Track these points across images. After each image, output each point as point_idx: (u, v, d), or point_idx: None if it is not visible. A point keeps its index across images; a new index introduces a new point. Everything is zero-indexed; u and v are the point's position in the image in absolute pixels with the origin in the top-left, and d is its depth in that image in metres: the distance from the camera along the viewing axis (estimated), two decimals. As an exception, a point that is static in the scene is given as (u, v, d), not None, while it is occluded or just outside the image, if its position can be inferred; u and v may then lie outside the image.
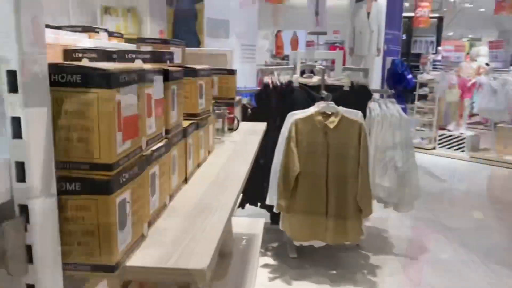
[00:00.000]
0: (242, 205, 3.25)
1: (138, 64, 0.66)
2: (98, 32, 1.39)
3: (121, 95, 0.52)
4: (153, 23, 8.04)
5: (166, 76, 0.76)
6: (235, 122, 1.43)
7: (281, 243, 3.32)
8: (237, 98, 1.79)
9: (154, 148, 0.68)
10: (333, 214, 2.71)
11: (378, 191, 2.96)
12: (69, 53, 1.15)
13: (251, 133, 1.58)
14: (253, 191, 3.24)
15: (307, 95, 2.96)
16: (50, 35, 1.10)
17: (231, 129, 1.53)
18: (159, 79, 0.72)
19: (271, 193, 2.92)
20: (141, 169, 0.61)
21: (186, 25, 5.44)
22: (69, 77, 0.49)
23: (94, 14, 7.66)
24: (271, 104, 3.07)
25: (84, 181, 0.50)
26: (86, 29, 1.38)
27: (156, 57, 1.14)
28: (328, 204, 2.73)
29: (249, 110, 3.20)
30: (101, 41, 1.27)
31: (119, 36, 1.54)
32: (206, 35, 5.43)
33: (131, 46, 1.54)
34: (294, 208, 2.77)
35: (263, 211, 3.28)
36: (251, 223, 1.86)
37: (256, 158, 3.20)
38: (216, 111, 1.34)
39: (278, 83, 3.05)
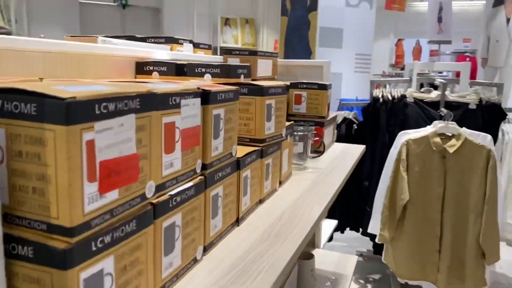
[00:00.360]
0: (341, 230, 2.99)
1: (146, 84, 0.51)
2: (181, 44, 1.32)
3: (97, 132, 0.38)
4: (269, 33, 8.16)
5: (207, 98, 0.61)
6: (322, 145, 1.23)
7: (384, 275, 2.97)
8: (333, 114, 1.58)
9: (174, 192, 0.53)
10: (448, 255, 2.30)
11: (509, 232, 2.45)
12: (140, 66, 1.09)
13: (343, 158, 1.35)
14: (355, 215, 2.96)
15: (422, 112, 2.59)
16: (121, 47, 1.04)
17: (319, 152, 1.33)
18: (192, 102, 0.57)
19: (374, 220, 2.61)
20: (142, 226, 0.46)
21: (298, 34, 5.35)
22: (23, 107, 0.36)
23: (216, 26, 8.06)
24: (379, 120, 2.76)
25: (38, 246, 0.37)
26: (169, 41, 1.32)
27: (226, 71, 1.01)
28: (442, 241, 2.33)
29: (354, 125, 2.94)
30: (180, 53, 1.18)
31: (206, 48, 1.46)
32: (318, 44, 5.27)
33: (218, 59, 1.45)
34: (400, 241, 2.43)
35: (366, 238, 2.97)
36: (341, 259, 1.62)
37: (360, 179, 2.91)
38: (298, 133, 1.16)
39: (390, 97, 2.73)
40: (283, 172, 1.03)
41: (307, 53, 5.40)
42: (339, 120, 2.97)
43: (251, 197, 0.82)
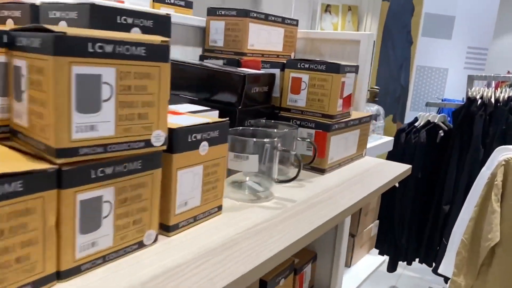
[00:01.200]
0: (408, 261, 2.31)
1: None
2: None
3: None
4: (373, 22, 7.28)
5: None
6: (298, 162, 0.69)
7: (459, 328, 2.23)
8: (363, 114, 1.01)
9: None
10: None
11: None
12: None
13: (354, 184, 0.79)
14: (429, 245, 2.26)
15: (538, 123, 1.80)
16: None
17: (307, 171, 0.79)
18: None
19: (448, 259, 1.92)
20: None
21: (399, 21, 4.55)
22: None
23: (315, 13, 7.46)
24: (474, 127, 2.02)
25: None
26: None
27: (86, 16, 0.55)
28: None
29: (441, 132, 2.22)
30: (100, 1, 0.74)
31: (182, 5, 1.00)
32: (421, 33, 4.41)
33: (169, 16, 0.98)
34: (480, 296, 1.72)
35: (438, 278, 2.26)
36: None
37: (439, 202, 2.19)
38: (239, 137, 0.64)
39: (492, 99, 1.97)
40: (184, 211, 0.54)
41: (408, 43, 4.61)
42: (421, 123, 2.27)
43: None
